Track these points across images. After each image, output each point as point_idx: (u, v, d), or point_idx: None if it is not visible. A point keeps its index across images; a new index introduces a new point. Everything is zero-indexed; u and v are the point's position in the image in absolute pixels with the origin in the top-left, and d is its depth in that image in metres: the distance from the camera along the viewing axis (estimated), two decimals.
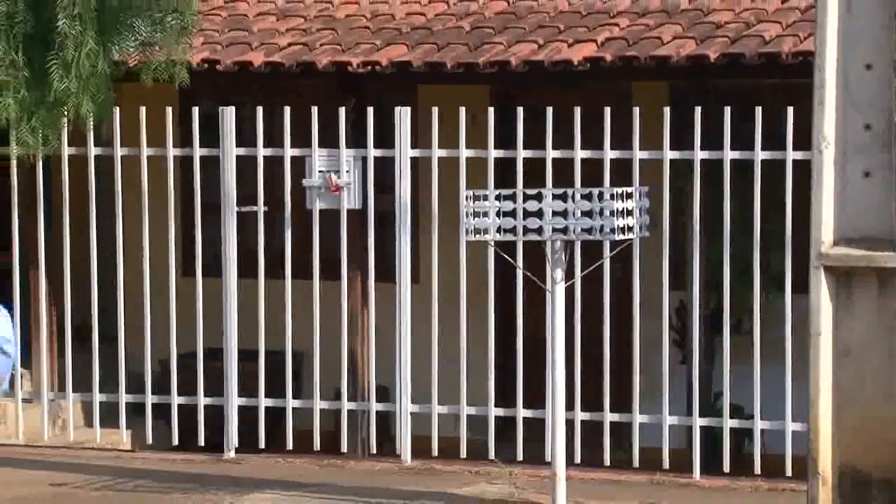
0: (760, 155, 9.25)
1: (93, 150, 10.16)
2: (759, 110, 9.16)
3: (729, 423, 9.44)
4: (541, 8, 11.55)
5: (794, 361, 8.78)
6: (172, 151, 10.11)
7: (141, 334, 10.12)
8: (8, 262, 10.33)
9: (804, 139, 7.78)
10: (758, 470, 9.30)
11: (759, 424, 9.39)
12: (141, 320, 10.15)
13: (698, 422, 9.50)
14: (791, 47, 10.16)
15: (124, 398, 10.27)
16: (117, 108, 9.93)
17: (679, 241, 9.77)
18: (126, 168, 10.17)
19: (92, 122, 9.89)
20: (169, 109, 10.04)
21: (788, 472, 9.02)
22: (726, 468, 9.34)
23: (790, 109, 8.97)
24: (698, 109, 9.38)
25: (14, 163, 10.19)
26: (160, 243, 10.13)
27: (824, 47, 6.97)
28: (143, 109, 9.93)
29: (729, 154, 9.30)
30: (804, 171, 7.64)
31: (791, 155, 9.08)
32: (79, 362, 10.25)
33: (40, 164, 10.19)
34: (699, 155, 9.40)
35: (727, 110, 9.21)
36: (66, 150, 10.14)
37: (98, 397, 10.26)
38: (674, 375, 9.66)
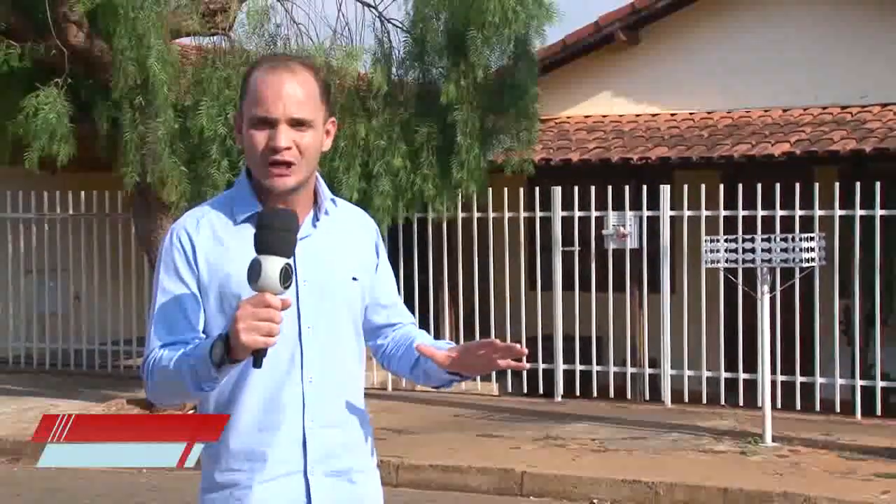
0: None
1: (475, 214, 10.27)
2: None
3: (880, 383, 8.93)
4: (754, 121, 11.18)
5: None
6: (523, 214, 10.13)
7: (502, 325, 10.11)
8: (426, 280, 10.43)
9: None
10: None
11: None
12: (502, 317, 10.18)
13: (859, 382, 9.02)
14: None
15: None
16: (490, 189, 10.04)
17: (845, 268, 9.27)
18: (495, 225, 10.21)
19: (476, 198, 10.08)
20: (521, 189, 10.10)
21: None
22: (878, 412, 8.83)
23: None
24: (858, 184, 8.93)
25: (430, 222, 10.40)
26: (515, 269, 10.17)
27: None
28: (505, 189, 10.02)
29: (879, 212, 8.82)
30: None
31: None
32: None
33: (445, 222, 10.38)
34: (858, 212, 8.93)
35: (878, 184, 8.77)
36: (460, 214, 10.29)
37: None
38: (842, 353, 9.17)
